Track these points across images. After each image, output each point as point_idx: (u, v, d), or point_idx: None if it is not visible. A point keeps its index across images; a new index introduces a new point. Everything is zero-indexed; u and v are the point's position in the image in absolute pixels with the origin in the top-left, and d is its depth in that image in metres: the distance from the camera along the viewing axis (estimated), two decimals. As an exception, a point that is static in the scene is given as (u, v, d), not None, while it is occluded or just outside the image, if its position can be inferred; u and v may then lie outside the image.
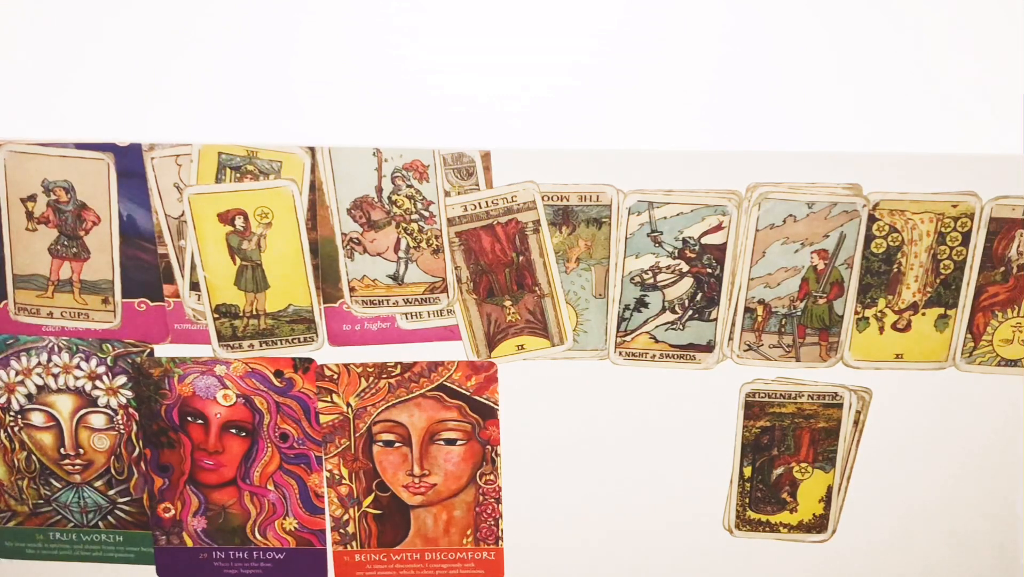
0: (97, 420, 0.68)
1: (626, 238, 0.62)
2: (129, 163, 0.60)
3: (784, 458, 0.68)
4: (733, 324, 0.64)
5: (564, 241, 0.62)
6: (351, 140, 0.58)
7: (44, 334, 0.65)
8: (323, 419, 0.67)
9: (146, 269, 0.63)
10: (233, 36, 0.55)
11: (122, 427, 0.68)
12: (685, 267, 0.63)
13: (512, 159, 0.60)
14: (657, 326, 0.64)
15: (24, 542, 0.72)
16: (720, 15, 0.55)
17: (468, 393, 0.66)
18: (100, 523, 0.71)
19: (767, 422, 0.67)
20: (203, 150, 0.60)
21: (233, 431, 0.68)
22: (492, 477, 0.69)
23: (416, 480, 0.69)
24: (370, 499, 0.70)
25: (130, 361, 0.66)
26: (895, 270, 0.62)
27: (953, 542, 0.71)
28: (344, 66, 0.56)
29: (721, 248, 0.62)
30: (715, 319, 0.64)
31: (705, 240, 0.62)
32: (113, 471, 0.69)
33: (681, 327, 0.64)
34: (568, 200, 0.61)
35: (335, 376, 0.66)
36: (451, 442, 0.68)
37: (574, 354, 0.65)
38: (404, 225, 0.62)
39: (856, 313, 0.64)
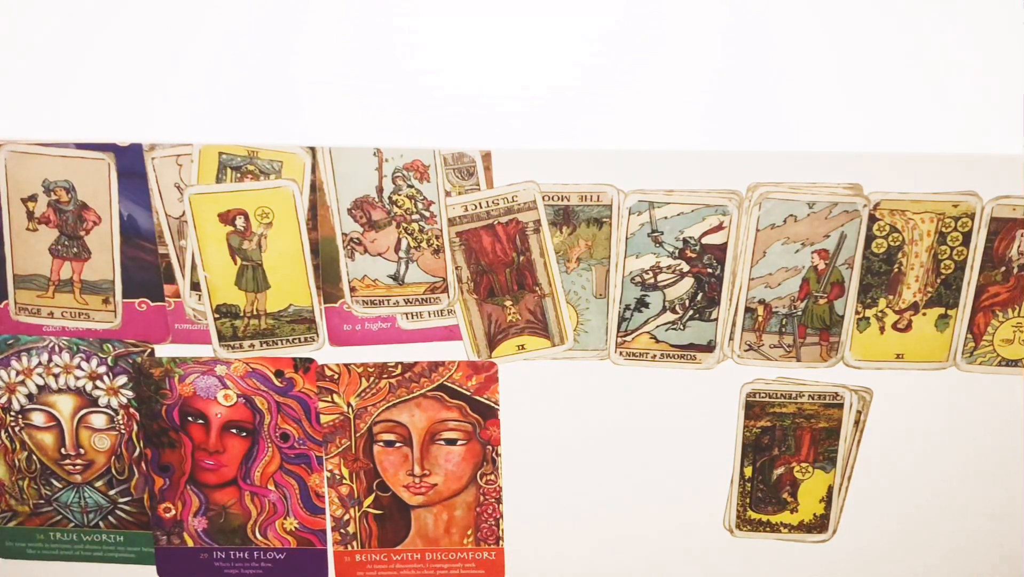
0: (98, 420, 0.68)
1: (627, 238, 0.62)
2: (130, 163, 0.60)
3: (785, 458, 0.68)
4: (734, 324, 0.64)
5: (565, 241, 0.62)
6: (351, 140, 0.58)
7: (45, 334, 0.65)
8: (324, 419, 0.67)
9: (147, 269, 0.63)
10: (233, 36, 0.55)
11: (123, 427, 0.68)
12: (686, 267, 0.63)
13: (512, 159, 0.60)
14: (658, 326, 0.64)
15: (25, 542, 0.72)
16: (720, 15, 0.55)
17: (469, 393, 0.66)
18: (101, 523, 0.71)
19: (768, 422, 0.67)
20: (204, 150, 0.60)
21: (234, 431, 0.68)
22: (493, 477, 0.69)
23: (417, 480, 0.69)
24: (371, 499, 0.70)
25: (131, 361, 0.66)
26: (896, 270, 0.62)
27: (953, 542, 0.71)
28: (344, 66, 0.56)
29: (722, 248, 0.62)
30: (716, 319, 0.64)
31: (706, 240, 0.62)
32: (114, 471, 0.69)
33: (682, 327, 0.64)
34: (569, 200, 0.61)
35: (336, 376, 0.66)
36: (452, 442, 0.68)
37: (575, 354, 0.65)
38: (405, 225, 0.62)
39: (857, 313, 0.64)
